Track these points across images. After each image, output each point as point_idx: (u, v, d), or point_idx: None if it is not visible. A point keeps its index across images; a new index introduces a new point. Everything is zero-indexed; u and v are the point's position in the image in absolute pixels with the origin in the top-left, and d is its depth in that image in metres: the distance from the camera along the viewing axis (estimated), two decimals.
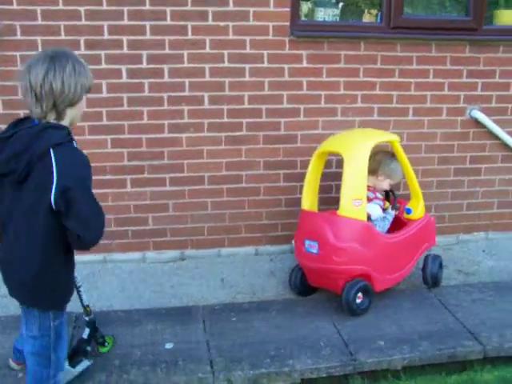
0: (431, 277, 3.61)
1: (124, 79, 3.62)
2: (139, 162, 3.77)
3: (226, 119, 3.80)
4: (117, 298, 3.49)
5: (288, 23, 3.71)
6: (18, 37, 3.45)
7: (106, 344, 2.98)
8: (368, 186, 3.47)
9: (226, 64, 3.71)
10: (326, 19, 4.11)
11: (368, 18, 4.38)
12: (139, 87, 3.64)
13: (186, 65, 3.65)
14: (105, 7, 3.49)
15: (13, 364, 2.77)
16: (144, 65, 3.61)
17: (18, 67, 3.46)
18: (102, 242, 2.19)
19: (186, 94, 3.70)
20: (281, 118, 3.87)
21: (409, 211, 3.61)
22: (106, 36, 3.53)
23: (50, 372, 2.32)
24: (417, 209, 3.60)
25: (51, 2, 3.44)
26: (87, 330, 2.89)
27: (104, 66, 3.57)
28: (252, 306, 3.40)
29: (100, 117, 3.64)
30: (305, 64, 3.80)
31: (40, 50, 3.46)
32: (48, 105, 2.03)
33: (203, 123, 3.78)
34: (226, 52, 3.68)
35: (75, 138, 2.14)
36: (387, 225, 3.50)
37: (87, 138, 3.62)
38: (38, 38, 3.46)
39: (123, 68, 3.59)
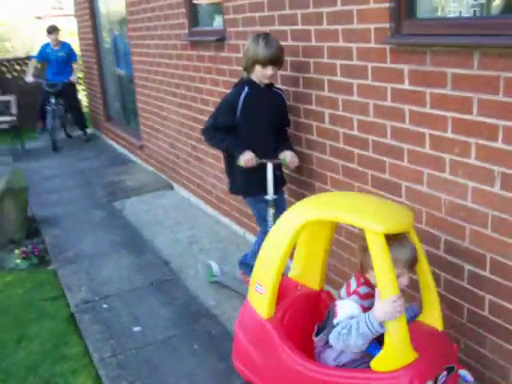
0: None
1: None
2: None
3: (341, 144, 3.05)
4: None
5: (387, 24, 2.53)
6: (233, 41, 3.94)
7: None
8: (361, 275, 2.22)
9: (339, 77, 2.94)
10: (464, 14, 2.25)
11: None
12: None
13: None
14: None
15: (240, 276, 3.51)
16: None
17: (233, 66, 3.98)
18: None
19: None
20: (384, 156, 2.74)
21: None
22: None
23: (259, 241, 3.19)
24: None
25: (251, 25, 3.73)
26: None
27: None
28: None
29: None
30: (406, 85, 2.50)
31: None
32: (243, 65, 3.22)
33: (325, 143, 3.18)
34: (338, 62, 2.92)
35: None
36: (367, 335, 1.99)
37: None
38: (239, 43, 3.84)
39: None
